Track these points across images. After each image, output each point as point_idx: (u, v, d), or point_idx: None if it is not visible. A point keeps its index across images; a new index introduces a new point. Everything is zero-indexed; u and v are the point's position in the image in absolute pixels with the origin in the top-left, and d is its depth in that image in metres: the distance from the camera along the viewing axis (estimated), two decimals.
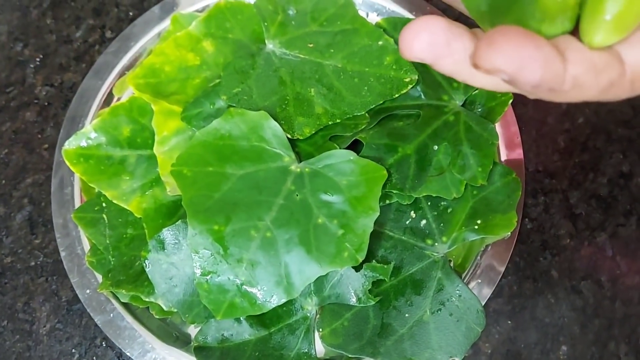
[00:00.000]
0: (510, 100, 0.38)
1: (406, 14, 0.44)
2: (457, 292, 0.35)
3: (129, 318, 0.36)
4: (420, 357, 0.34)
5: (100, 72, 0.42)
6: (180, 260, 0.35)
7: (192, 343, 0.35)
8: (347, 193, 0.35)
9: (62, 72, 0.43)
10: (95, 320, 0.35)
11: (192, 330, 0.38)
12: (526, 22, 0.21)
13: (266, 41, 0.41)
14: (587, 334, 0.35)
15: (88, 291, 0.36)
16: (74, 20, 0.45)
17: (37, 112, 0.42)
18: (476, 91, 0.39)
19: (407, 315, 0.35)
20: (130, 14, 0.45)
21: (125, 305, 0.37)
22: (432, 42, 0.21)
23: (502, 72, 0.19)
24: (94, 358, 0.36)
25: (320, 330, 0.35)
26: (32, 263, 0.39)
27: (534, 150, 0.40)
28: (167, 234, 0.35)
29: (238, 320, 0.36)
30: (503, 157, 0.40)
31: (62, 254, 0.37)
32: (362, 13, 0.43)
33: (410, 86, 0.39)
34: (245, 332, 0.36)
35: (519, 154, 0.39)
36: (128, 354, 0.35)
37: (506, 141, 0.39)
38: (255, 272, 0.34)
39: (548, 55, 0.19)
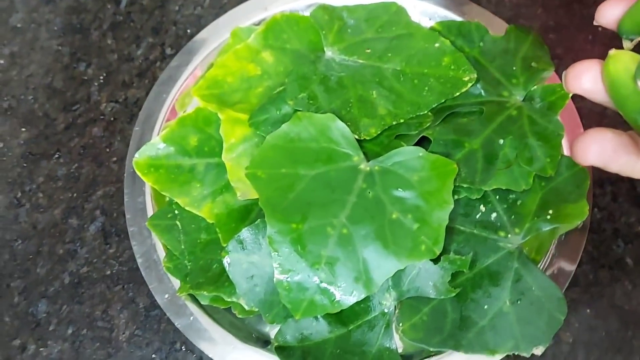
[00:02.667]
0: (571, 94, 0.39)
1: (457, 17, 0.45)
2: (536, 281, 0.35)
3: (208, 320, 0.36)
4: (503, 347, 0.34)
5: (164, 86, 0.43)
6: (260, 260, 0.35)
7: (272, 343, 0.35)
8: (419, 188, 0.35)
9: (126, 89, 0.45)
10: (176, 324, 0.35)
11: (270, 329, 0.38)
12: None
13: (325, 49, 0.42)
14: None
15: (167, 296, 0.36)
16: (134, 40, 0.47)
17: (103, 127, 0.44)
18: (535, 87, 0.40)
19: (485, 306, 0.35)
20: (188, 31, 0.47)
21: (203, 308, 0.37)
22: (601, 152, 0.27)
23: None
24: None
25: (401, 325, 0.35)
26: (108, 272, 0.39)
27: None
28: (246, 233, 0.35)
29: (316, 318, 0.36)
30: (566, 150, 0.40)
31: (139, 261, 0.37)
32: (414, 19, 0.44)
33: (469, 84, 0.39)
34: (324, 330, 0.36)
35: None
36: (210, 356, 0.35)
37: (570, 135, 0.40)
38: (334, 269, 0.34)
39: None
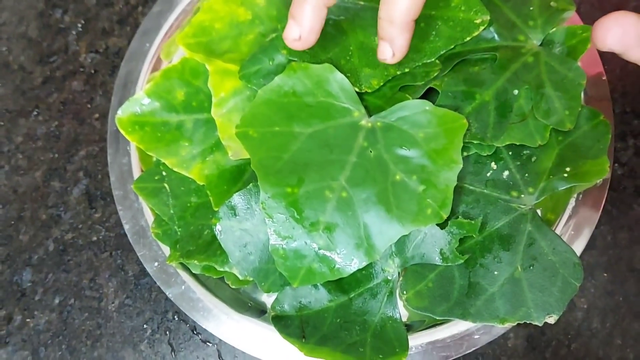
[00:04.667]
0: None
1: None
2: (550, 245, 0.32)
3: (201, 289, 0.34)
4: (514, 316, 0.32)
5: (146, 34, 0.39)
6: (254, 227, 0.33)
7: (268, 312, 0.34)
8: (425, 146, 0.32)
9: (106, 37, 0.41)
10: (167, 293, 0.34)
11: (266, 298, 0.36)
12: None
13: None
14: None
15: (156, 264, 0.34)
16: None
17: (83, 80, 0.40)
18: (554, 29, 0.36)
19: (496, 272, 0.33)
20: None
21: (195, 276, 0.35)
22: (623, 36, 0.25)
23: None
24: (167, 333, 0.35)
25: (404, 293, 0.33)
26: (94, 238, 0.37)
27: (619, 90, 0.36)
28: (238, 199, 0.33)
29: (315, 286, 0.34)
30: (586, 99, 0.37)
31: (126, 227, 0.35)
32: None
33: (482, 28, 0.35)
34: (323, 299, 0.34)
35: (605, 94, 0.36)
36: (204, 326, 0.33)
37: (590, 81, 0.36)
38: (333, 235, 0.32)
39: None
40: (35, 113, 0.40)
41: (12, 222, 0.38)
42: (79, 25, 0.42)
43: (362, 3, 0.37)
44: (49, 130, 0.39)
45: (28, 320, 0.35)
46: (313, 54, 0.35)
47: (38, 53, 0.41)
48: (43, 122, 0.40)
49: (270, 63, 0.36)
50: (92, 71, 0.41)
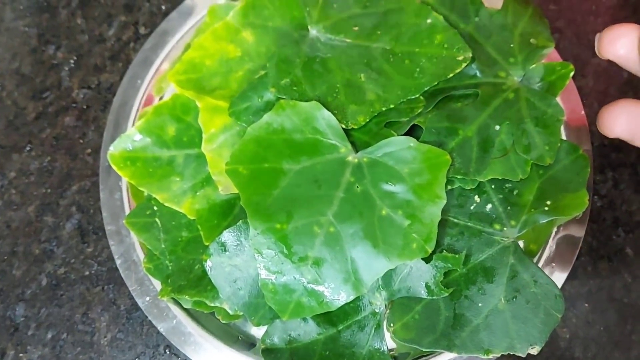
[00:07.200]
0: (572, 73, 0.36)
1: None
2: (533, 277, 0.33)
3: (191, 324, 0.35)
4: (498, 347, 0.33)
5: (138, 71, 0.40)
6: (244, 262, 0.34)
7: (258, 345, 0.34)
8: (410, 181, 0.33)
9: (98, 73, 0.42)
10: (158, 328, 0.34)
11: (256, 331, 0.37)
12: None
13: (309, 27, 0.39)
14: None
15: (148, 298, 0.35)
16: (105, 18, 0.43)
17: (76, 116, 0.41)
18: (534, 65, 0.37)
19: (480, 304, 0.34)
20: (163, 7, 0.44)
21: (186, 311, 0.36)
22: (630, 124, 0.25)
23: None
24: None
25: (392, 325, 0.34)
26: (87, 272, 0.38)
27: None
28: (228, 235, 0.34)
29: (304, 319, 0.35)
30: (566, 133, 0.38)
31: (118, 261, 0.36)
32: None
33: (464, 64, 0.37)
34: (312, 331, 0.35)
35: (583, 128, 0.37)
36: None
37: (569, 116, 0.38)
38: (321, 270, 0.32)
39: None
40: (28, 148, 0.41)
41: (5, 257, 0.38)
42: (72, 61, 0.43)
43: (348, 41, 0.38)
44: (42, 166, 0.40)
45: (21, 355, 0.36)
46: (301, 92, 0.36)
47: (31, 89, 0.42)
48: (36, 157, 0.40)
49: (259, 100, 0.37)
50: (85, 107, 0.41)
